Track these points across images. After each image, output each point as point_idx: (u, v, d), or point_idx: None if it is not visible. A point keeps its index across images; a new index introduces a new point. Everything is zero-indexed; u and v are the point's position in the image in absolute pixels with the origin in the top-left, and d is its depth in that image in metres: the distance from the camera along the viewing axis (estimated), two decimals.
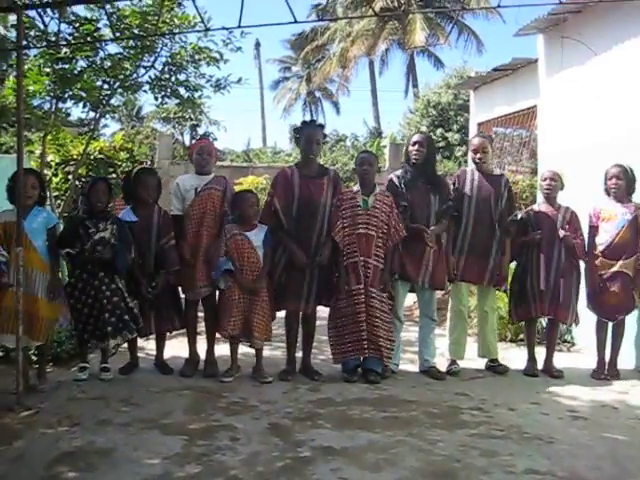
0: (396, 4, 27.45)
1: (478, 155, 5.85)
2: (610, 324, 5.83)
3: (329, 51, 33.88)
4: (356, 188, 5.64)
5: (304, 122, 5.75)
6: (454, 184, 5.87)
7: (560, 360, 6.10)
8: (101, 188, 5.33)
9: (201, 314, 5.75)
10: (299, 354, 5.70)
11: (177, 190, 5.63)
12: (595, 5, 6.67)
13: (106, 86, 7.17)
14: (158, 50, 7.08)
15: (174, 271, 5.47)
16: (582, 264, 5.90)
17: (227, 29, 6.37)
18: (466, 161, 15.05)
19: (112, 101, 7.58)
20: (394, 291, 5.65)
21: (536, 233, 5.78)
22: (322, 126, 5.72)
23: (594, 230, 5.83)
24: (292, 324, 5.62)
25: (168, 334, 5.78)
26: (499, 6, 4.39)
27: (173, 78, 7.34)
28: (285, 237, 5.41)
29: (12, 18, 9.27)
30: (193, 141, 29.93)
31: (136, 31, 6.69)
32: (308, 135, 5.54)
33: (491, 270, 5.77)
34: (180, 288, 5.68)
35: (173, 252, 5.46)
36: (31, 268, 4.88)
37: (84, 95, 6.95)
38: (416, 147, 5.70)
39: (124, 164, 10.62)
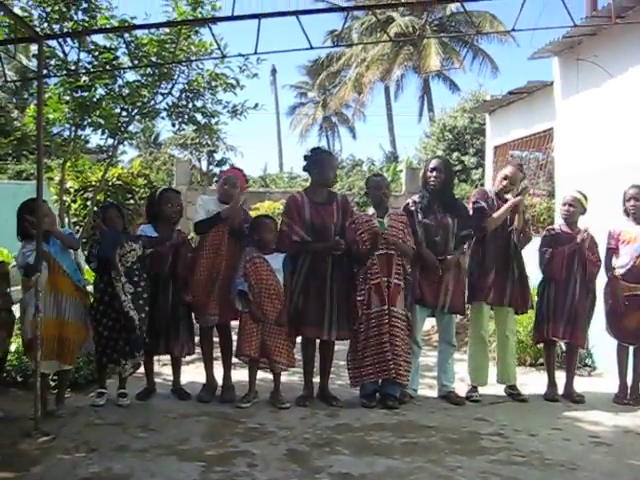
0: (411, 29, 27.67)
1: (506, 183, 5.83)
2: (631, 348, 5.74)
3: (345, 77, 34.15)
4: (371, 211, 5.65)
5: (315, 149, 5.76)
6: (477, 202, 5.81)
7: (581, 384, 6.02)
8: (113, 213, 5.40)
9: (216, 339, 5.73)
10: (316, 379, 5.66)
11: (201, 206, 5.61)
12: (610, 27, 6.68)
13: (124, 113, 7.28)
14: (175, 77, 7.19)
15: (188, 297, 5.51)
16: (598, 287, 5.85)
17: (243, 55, 6.45)
18: (482, 184, 15.01)
19: (130, 128, 7.68)
20: (412, 315, 5.61)
21: (574, 244, 5.71)
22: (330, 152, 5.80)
23: (612, 252, 5.76)
24: (309, 349, 5.59)
25: (184, 359, 5.78)
26: (514, 29, 4.39)
27: (190, 105, 7.44)
28: (306, 246, 5.39)
29: (33, 48, 9.43)
30: (211, 167, 30.26)
31: (154, 59, 6.80)
32: (327, 162, 5.57)
33: (511, 290, 5.73)
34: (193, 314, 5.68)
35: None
36: (61, 294, 4.96)
37: (103, 122, 7.05)
38: (434, 173, 5.68)
39: (142, 190, 10.72)
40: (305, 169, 5.74)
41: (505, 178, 5.85)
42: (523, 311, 5.92)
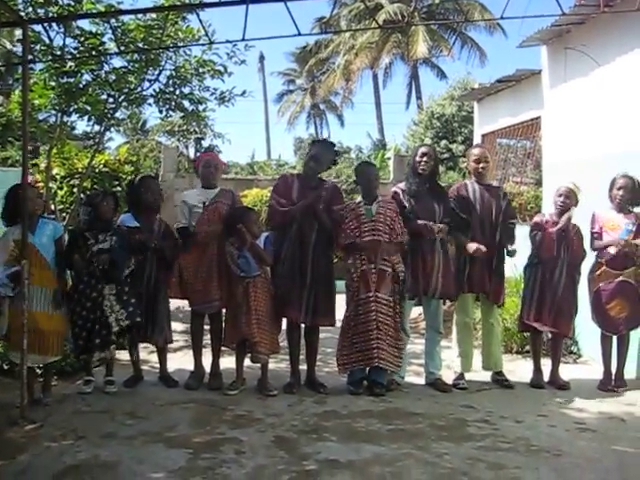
0: (399, 16, 27.57)
1: (481, 165, 5.85)
2: (614, 336, 5.79)
3: (333, 64, 34.00)
4: (358, 199, 5.67)
5: (315, 140, 5.83)
6: (456, 198, 5.84)
7: (566, 371, 6.07)
8: (111, 204, 5.35)
9: (207, 327, 5.73)
10: (304, 366, 5.68)
11: (183, 206, 5.63)
12: (598, 16, 6.68)
13: (111, 100, 7.22)
14: (162, 63, 7.12)
15: (179, 283, 5.50)
16: (582, 278, 5.88)
17: (231, 42, 6.41)
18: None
19: (117, 114, 7.63)
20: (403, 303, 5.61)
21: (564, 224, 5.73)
22: (332, 145, 5.89)
23: (596, 236, 5.79)
24: (294, 336, 5.62)
25: (171, 346, 5.77)
26: (502, 17, 4.39)
27: (177, 91, 7.38)
28: (292, 211, 5.42)
29: (18, 33, 9.33)
30: (198, 154, 30.07)
31: (141, 45, 6.73)
32: (316, 154, 5.61)
33: (494, 279, 5.76)
34: (188, 301, 5.67)
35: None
36: (43, 287, 4.90)
37: (89, 109, 7.00)
38: (425, 158, 5.71)
39: (129, 177, 10.66)
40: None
41: (478, 161, 5.87)
42: (496, 303, 5.93)
